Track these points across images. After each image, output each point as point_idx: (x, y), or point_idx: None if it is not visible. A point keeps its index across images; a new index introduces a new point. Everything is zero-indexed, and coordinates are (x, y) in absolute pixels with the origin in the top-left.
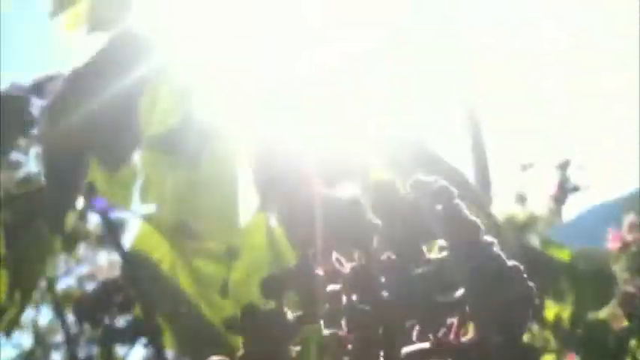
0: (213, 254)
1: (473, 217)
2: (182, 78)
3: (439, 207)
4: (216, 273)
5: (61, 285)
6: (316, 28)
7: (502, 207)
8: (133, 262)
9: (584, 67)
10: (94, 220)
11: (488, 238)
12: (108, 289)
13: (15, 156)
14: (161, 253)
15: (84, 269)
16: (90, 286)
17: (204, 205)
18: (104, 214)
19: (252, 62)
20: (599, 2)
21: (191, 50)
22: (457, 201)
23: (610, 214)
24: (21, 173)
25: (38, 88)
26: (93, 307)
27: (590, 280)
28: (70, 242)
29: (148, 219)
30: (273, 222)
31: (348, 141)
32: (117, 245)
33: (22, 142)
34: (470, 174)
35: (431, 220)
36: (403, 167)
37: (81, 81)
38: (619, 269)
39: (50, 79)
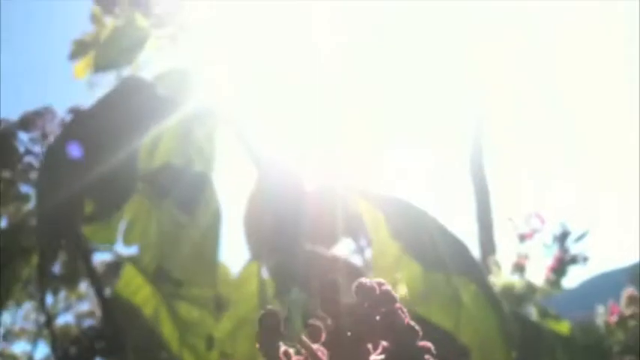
0: (198, 300)
1: (411, 324)
2: (185, 123)
3: (381, 311)
4: (201, 320)
5: (60, 321)
6: (319, 38)
7: (500, 276)
8: (113, 306)
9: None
10: (96, 258)
11: (424, 343)
12: (97, 331)
13: (24, 189)
14: (144, 296)
15: (85, 306)
16: (88, 324)
17: (184, 251)
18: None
19: (258, 77)
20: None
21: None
22: (398, 306)
23: (611, 284)
24: (29, 206)
25: (26, 123)
26: (80, 348)
27: (585, 354)
28: (71, 279)
29: (132, 261)
30: (265, 273)
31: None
32: (96, 288)
33: (32, 175)
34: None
35: (373, 323)
36: (404, 236)
37: (84, 124)
38: (615, 344)
39: (37, 114)
